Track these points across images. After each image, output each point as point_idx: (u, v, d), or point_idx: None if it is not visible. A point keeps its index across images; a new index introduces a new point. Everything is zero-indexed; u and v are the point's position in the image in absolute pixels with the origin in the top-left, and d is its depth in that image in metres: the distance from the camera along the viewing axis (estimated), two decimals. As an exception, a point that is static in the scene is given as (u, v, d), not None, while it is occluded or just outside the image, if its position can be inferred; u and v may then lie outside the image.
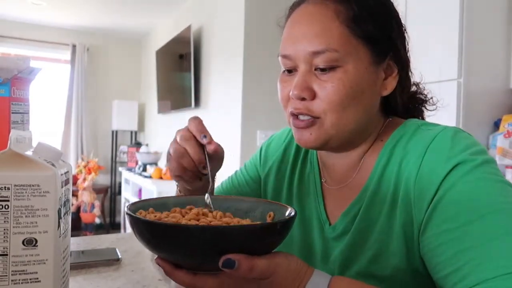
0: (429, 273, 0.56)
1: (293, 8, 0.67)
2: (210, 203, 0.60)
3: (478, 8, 1.72)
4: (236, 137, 2.86)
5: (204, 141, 0.61)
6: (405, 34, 0.69)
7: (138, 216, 0.49)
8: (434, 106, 0.75)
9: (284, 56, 0.64)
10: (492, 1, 1.79)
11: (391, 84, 0.65)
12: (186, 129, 0.63)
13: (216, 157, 0.66)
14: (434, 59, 1.77)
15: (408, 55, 0.69)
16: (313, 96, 0.61)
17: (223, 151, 0.67)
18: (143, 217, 0.51)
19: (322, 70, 0.61)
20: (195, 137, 0.62)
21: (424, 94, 0.74)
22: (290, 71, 0.65)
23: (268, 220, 0.56)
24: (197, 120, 0.63)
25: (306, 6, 0.64)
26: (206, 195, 0.61)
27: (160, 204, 0.59)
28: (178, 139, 0.62)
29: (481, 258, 0.48)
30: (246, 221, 0.55)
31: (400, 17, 0.68)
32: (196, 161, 0.61)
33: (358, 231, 0.65)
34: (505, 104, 1.83)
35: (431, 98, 0.75)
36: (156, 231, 0.46)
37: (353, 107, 0.61)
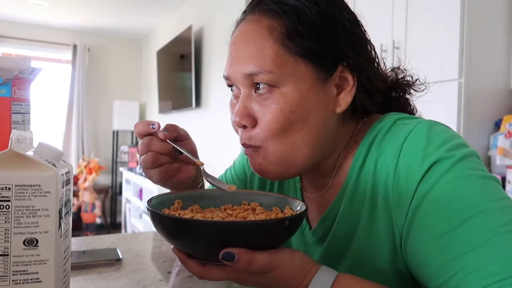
0: (419, 282, 0.54)
1: (235, 26, 0.64)
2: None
3: (479, 8, 1.72)
4: (236, 137, 2.85)
5: (154, 129, 0.64)
6: (362, 36, 0.63)
7: (150, 209, 0.51)
8: (423, 87, 0.69)
9: (225, 78, 0.62)
10: (493, 1, 1.79)
11: (345, 99, 0.60)
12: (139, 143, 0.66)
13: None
14: (435, 59, 1.76)
15: (373, 56, 0.64)
16: (254, 123, 0.58)
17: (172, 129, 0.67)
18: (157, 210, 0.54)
19: (260, 92, 0.57)
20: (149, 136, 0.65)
21: (405, 78, 0.69)
22: (237, 94, 0.63)
23: (280, 215, 0.56)
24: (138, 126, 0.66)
25: (243, 25, 0.61)
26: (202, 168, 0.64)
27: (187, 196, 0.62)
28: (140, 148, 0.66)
29: (469, 267, 0.46)
30: (259, 216, 0.56)
31: (356, 16, 0.63)
32: (165, 151, 0.65)
33: (338, 234, 0.63)
34: (506, 104, 1.82)
35: (417, 79, 0.69)
36: (165, 223, 0.49)
37: (298, 132, 0.57)
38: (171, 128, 0.65)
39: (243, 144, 0.61)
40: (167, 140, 0.64)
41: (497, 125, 1.78)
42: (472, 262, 0.46)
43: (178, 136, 0.66)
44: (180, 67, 3.85)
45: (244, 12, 0.63)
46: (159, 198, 0.58)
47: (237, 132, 0.63)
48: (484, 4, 1.75)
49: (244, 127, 0.60)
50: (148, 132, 0.64)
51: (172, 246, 0.52)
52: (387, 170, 0.56)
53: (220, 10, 3.23)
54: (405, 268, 0.57)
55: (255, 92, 0.58)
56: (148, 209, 0.52)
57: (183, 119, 4.06)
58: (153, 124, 0.63)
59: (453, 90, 1.69)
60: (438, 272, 0.48)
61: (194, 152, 0.69)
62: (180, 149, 0.64)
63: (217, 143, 3.24)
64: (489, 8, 1.77)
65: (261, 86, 0.57)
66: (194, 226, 0.46)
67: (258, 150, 0.60)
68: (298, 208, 0.55)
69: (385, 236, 0.57)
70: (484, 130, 1.79)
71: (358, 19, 0.63)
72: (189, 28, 3.49)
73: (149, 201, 0.55)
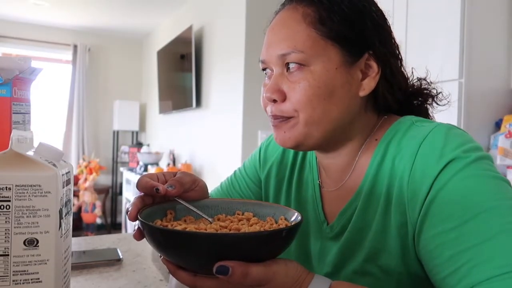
0: (427, 274, 0.55)
1: (273, 16, 0.69)
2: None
3: (479, 8, 1.72)
4: (237, 138, 2.86)
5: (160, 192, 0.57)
6: (388, 31, 0.67)
7: (141, 220, 0.50)
8: (445, 101, 0.73)
9: (261, 62, 0.67)
10: (493, 1, 1.79)
11: (369, 85, 0.64)
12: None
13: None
14: (435, 59, 1.76)
15: (396, 51, 0.68)
16: (284, 97, 0.63)
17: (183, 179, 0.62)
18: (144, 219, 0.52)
19: (291, 71, 0.62)
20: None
21: (429, 89, 0.72)
22: (270, 76, 0.66)
23: (275, 225, 0.55)
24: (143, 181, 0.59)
25: (281, 13, 0.66)
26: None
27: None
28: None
29: (476, 259, 0.48)
30: (253, 228, 0.54)
31: (383, 13, 0.67)
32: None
33: (354, 230, 0.65)
34: (506, 105, 1.82)
35: (440, 93, 0.73)
36: (155, 235, 0.48)
37: (324, 107, 0.61)
38: (176, 183, 0.59)
39: (273, 116, 0.64)
40: (175, 198, 0.60)
41: (498, 125, 1.78)
42: (479, 255, 0.48)
43: (184, 190, 0.61)
44: (181, 67, 3.85)
45: (283, 3, 0.68)
46: (151, 208, 0.56)
47: (265, 109, 0.67)
48: (484, 4, 1.74)
49: (274, 101, 0.64)
50: (150, 193, 0.59)
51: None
52: (404, 167, 0.59)
53: (221, 10, 3.23)
54: (417, 266, 0.59)
55: (287, 71, 0.63)
56: (138, 220, 0.50)
57: (183, 119, 4.06)
58: (157, 188, 0.57)
59: (453, 90, 1.69)
60: (446, 264, 0.50)
61: (204, 193, 0.66)
62: (188, 206, 0.59)
63: (218, 143, 3.24)
64: (489, 8, 1.77)
65: (292, 65, 0.62)
66: (186, 238, 0.44)
67: (288, 120, 0.63)
68: (293, 218, 0.54)
69: (397, 232, 0.59)
70: (484, 130, 1.79)
71: (385, 16, 0.68)
72: (190, 28, 3.49)
73: (140, 212, 0.53)
